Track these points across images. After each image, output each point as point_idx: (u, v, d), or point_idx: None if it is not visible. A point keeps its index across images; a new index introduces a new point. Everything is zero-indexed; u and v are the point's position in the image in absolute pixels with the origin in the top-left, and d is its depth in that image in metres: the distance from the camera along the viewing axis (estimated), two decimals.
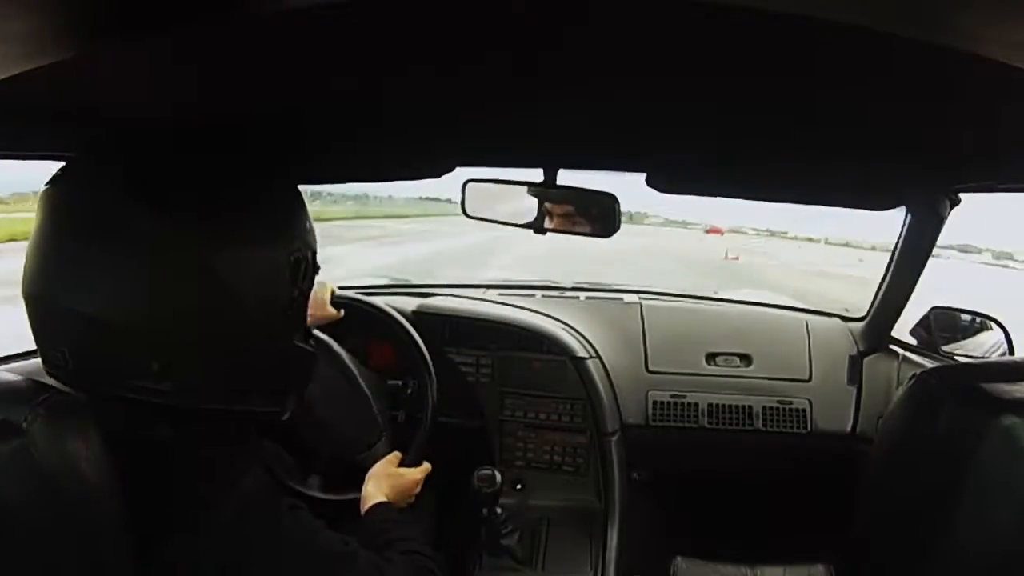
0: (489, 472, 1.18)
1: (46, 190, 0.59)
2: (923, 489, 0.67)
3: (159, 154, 0.63)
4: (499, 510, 1.25)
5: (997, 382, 0.68)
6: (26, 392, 0.52)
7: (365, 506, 0.91)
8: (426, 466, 1.06)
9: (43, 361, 0.61)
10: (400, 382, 1.29)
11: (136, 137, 0.64)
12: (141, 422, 0.60)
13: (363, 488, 0.95)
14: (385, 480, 0.97)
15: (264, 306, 0.62)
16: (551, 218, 1.04)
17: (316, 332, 1.19)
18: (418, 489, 1.04)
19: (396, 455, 1.05)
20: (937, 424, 0.66)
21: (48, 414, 0.50)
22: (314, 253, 0.69)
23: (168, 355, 0.58)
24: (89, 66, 0.49)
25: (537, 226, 1.05)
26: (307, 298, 0.69)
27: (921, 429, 0.69)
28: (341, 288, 1.30)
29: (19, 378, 0.55)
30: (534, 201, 1.04)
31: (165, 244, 0.56)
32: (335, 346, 1.21)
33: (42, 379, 0.56)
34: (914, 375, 0.72)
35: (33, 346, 0.62)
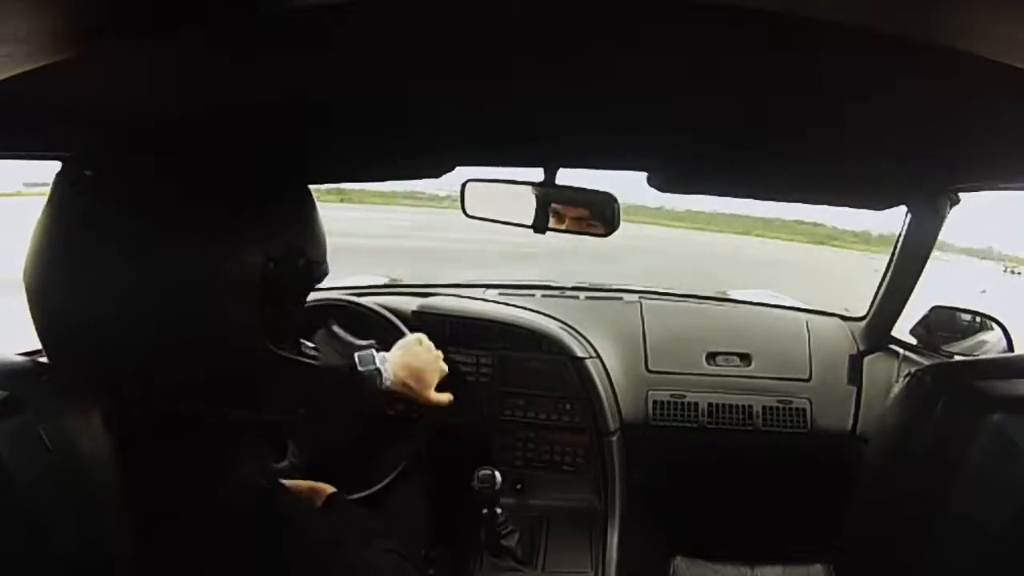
0: (489, 472, 1.18)
1: (52, 183, 0.60)
2: (918, 485, 0.68)
3: (134, 154, 0.62)
4: (499, 510, 1.25)
5: (990, 379, 0.69)
6: (28, 370, 0.54)
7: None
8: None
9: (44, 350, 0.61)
10: None
11: (117, 137, 0.64)
12: (138, 418, 0.60)
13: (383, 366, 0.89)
14: (400, 358, 0.93)
15: (225, 309, 0.60)
16: (551, 217, 1.04)
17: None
18: (437, 368, 0.98)
19: (419, 337, 1.00)
20: (931, 421, 0.67)
21: (51, 391, 0.52)
22: (309, 259, 0.66)
23: (139, 356, 0.58)
24: (88, 66, 0.49)
25: (537, 225, 1.05)
26: (298, 304, 0.68)
27: (916, 426, 0.69)
28: (338, 288, 1.28)
29: (21, 358, 0.57)
30: (534, 200, 1.04)
31: (127, 243, 0.56)
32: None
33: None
34: (909, 373, 0.72)
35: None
